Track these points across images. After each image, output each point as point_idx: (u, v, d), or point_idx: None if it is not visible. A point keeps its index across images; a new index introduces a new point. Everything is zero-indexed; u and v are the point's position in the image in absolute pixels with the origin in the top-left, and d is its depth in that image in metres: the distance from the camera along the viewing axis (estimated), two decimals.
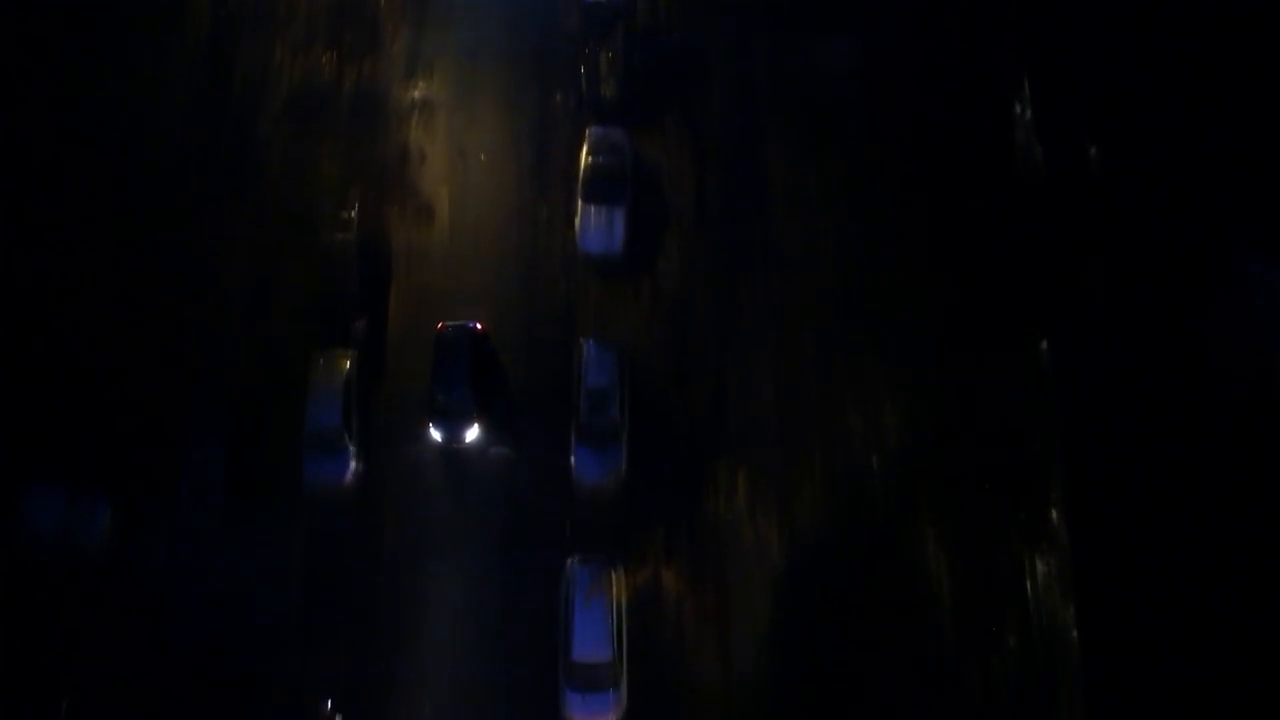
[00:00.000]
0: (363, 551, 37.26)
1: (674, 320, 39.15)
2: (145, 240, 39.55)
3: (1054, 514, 35.84)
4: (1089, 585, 34.59)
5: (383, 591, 36.91)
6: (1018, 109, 40.10)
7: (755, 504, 36.40)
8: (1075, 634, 34.32)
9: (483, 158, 41.07)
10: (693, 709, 35.35)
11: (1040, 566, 35.30)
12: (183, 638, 36.40)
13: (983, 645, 34.67)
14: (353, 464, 37.79)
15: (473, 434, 37.96)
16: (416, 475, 37.74)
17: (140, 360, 38.39)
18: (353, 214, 39.74)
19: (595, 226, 39.78)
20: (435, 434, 37.99)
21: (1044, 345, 37.18)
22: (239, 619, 36.57)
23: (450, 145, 41.61)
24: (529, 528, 37.09)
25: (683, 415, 37.96)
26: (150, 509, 37.32)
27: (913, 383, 37.41)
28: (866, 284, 38.66)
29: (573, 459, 37.43)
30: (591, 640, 35.38)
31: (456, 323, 38.18)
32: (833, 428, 36.89)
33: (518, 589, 36.54)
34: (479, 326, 38.39)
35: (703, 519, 36.64)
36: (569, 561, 36.23)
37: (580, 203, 39.82)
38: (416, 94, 42.21)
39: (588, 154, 40.38)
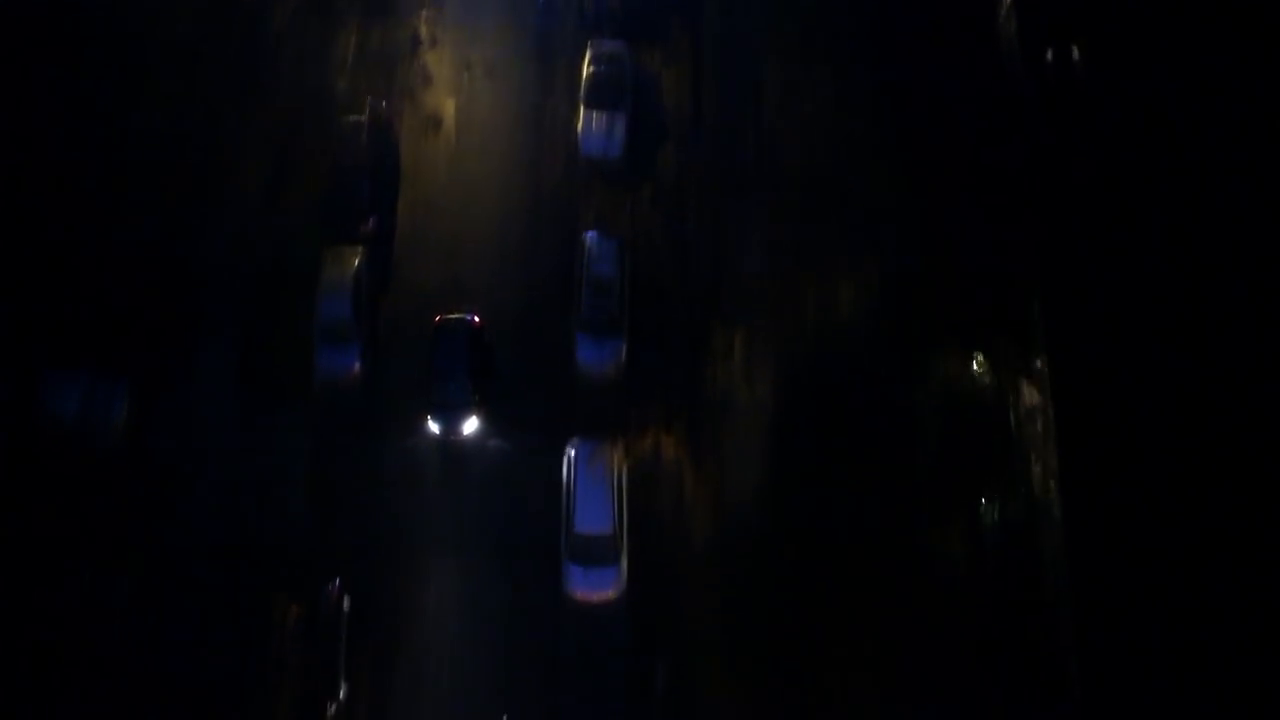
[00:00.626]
0: (371, 437, 38.61)
1: (672, 217, 40.60)
2: (161, 134, 40.81)
3: (1038, 363, 37.11)
4: (1071, 432, 35.84)
5: (389, 476, 38.29)
6: (1003, 10, 41.61)
7: (751, 374, 37.78)
8: (1057, 475, 35.55)
9: None
10: (692, 581, 36.55)
11: (1024, 411, 36.66)
12: (196, 520, 37.56)
13: (969, 492, 36.06)
14: (361, 356, 39.16)
15: (471, 425, 38.68)
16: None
17: (156, 253, 39.67)
18: (363, 119, 41.22)
19: (596, 130, 41.14)
20: (434, 426, 38.65)
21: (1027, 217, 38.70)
22: (250, 502, 37.78)
23: (457, 59, 43.10)
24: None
25: (681, 305, 39.31)
26: (165, 397, 38.57)
27: (901, 258, 38.75)
28: (857, 177, 39.99)
29: (575, 347, 38.75)
30: (593, 513, 36.50)
31: (454, 315, 39.00)
32: (824, 298, 38.28)
33: (524, 481, 38.03)
34: (476, 319, 39.15)
35: (700, 396, 38.02)
36: (571, 441, 37.53)
37: (582, 109, 41.28)
38: (424, 10, 43.67)
39: (589, 64, 41.81)
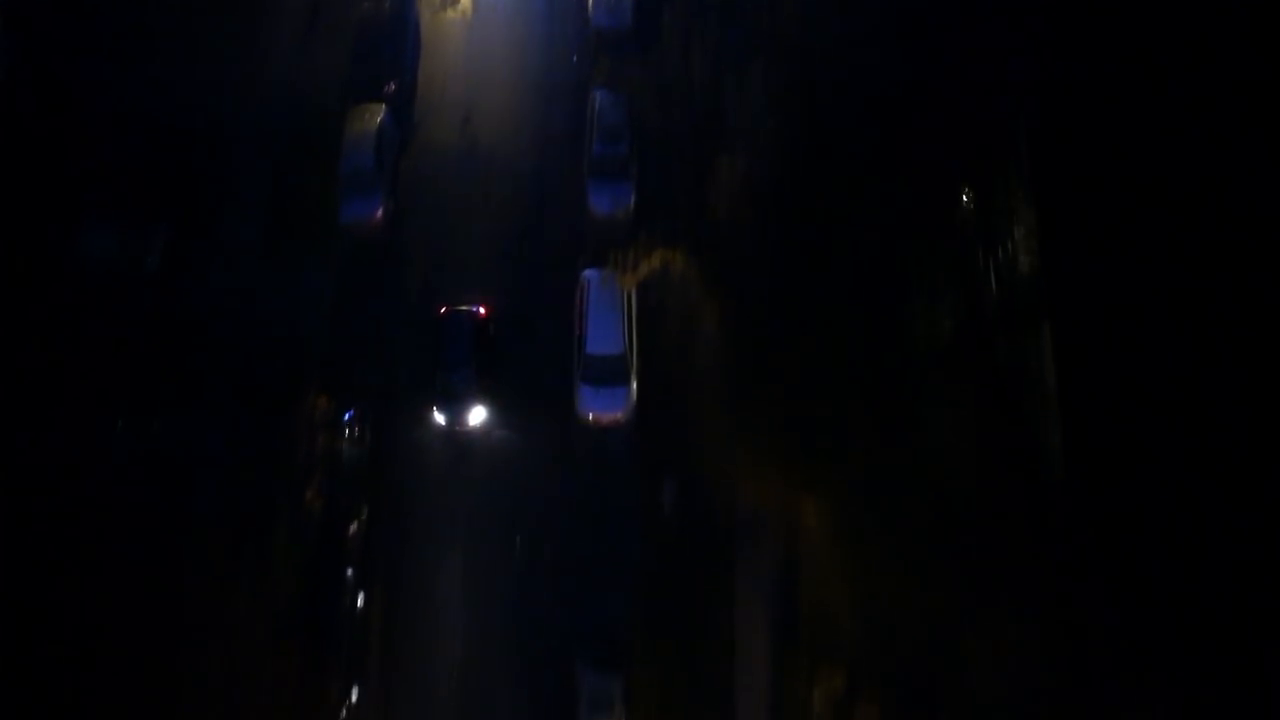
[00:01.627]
0: (389, 281, 40.86)
1: (678, 78, 42.83)
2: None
3: (1021, 172, 39.22)
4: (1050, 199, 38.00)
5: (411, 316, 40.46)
6: None
7: (753, 202, 39.79)
8: (1039, 237, 37.59)
9: None
10: (699, 402, 38.39)
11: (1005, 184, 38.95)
12: (224, 357, 39.39)
13: (960, 293, 38.19)
14: (381, 204, 41.27)
15: (477, 416, 39.46)
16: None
17: (190, 107, 41.80)
18: None
19: (606, 2, 43.50)
20: (439, 417, 39.43)
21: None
22: (275, 338, 39.71)
23: None
24: None
25: (686, 147, 41.39)
26: (198, 241, 40.63)
27: (892, 101, 40.49)
28: (852, 38, 41.94)
29: (587, 192, 40.87)
30: (604, 336, 38.36)
31: (459, 307, 40.02)
32: (819, 134, 40.30)
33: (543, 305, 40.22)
34: (482, 311, 40.06)
35: (704, 223, 40.20)
36: (584, 272, 39.52)
37: None
38: None
39: None
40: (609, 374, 38.26)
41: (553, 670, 36.49)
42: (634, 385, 38.44)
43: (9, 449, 37.46)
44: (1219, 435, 34.15)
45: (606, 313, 38.52)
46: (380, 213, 41.20)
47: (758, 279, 38.80)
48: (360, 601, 37.42)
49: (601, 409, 38.47)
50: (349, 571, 37.51)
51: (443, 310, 39.94)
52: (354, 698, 36.53)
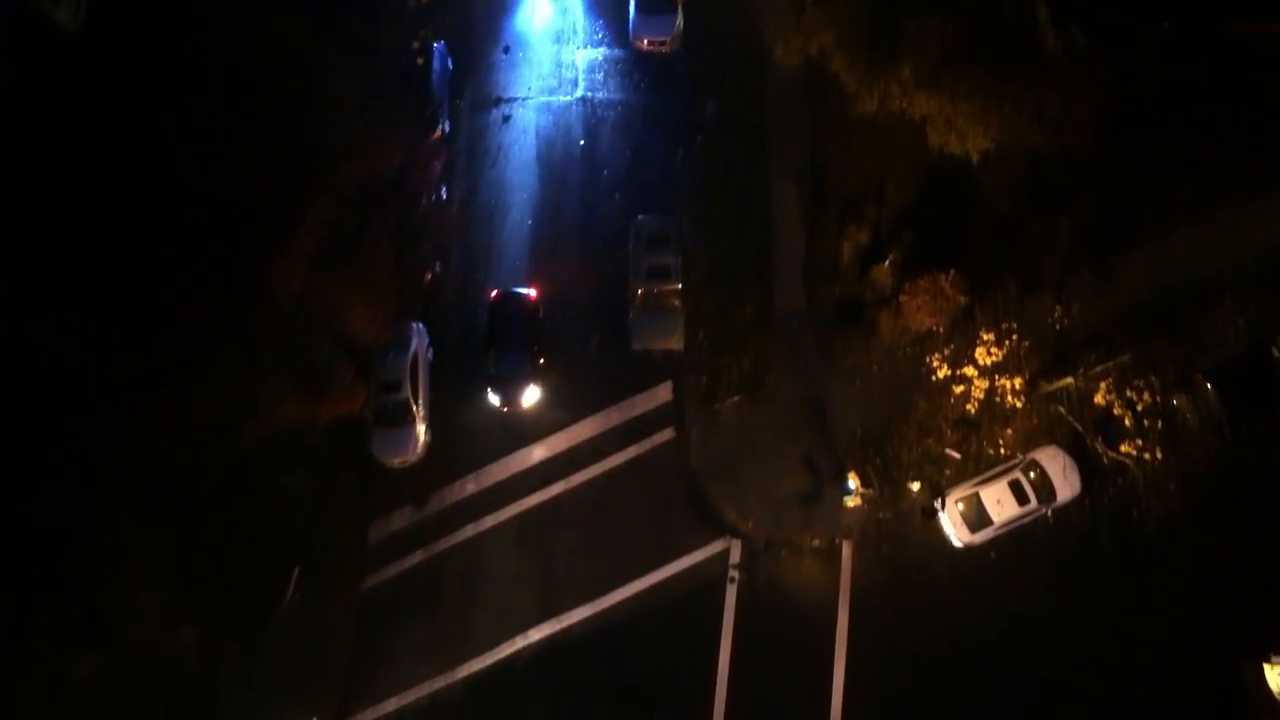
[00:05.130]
0: None
1: None
2: None
3: None
4: None
5: None
6: None
7: None
8: None
9: None
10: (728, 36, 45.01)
11: None
12: None
13: None
14: None
15: (529, 398, 41.81)
16: None
17: None
18: None
19: None
20: (492, 399, 41.65)
21: None
22: None
23: None
24: None
25: None
26: None
27: None
28: None
29: None
30: None
31: (510, 290, 42.55)
32: None
33: None
34: (533, 294, 42.50)
35: None
36: None
37: None
38: None
39: None
40: (659, 2, 45.05)
41: (617, 221, 42.95)
42: (680, 16, 45.14)
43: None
44: None
45: None
46: None
47: None
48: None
49: (652, 33, 45.15)
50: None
51: (494, 294, 42.62)
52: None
